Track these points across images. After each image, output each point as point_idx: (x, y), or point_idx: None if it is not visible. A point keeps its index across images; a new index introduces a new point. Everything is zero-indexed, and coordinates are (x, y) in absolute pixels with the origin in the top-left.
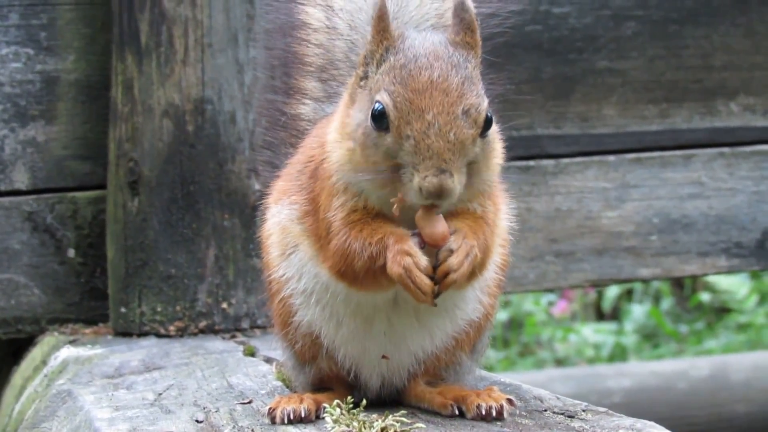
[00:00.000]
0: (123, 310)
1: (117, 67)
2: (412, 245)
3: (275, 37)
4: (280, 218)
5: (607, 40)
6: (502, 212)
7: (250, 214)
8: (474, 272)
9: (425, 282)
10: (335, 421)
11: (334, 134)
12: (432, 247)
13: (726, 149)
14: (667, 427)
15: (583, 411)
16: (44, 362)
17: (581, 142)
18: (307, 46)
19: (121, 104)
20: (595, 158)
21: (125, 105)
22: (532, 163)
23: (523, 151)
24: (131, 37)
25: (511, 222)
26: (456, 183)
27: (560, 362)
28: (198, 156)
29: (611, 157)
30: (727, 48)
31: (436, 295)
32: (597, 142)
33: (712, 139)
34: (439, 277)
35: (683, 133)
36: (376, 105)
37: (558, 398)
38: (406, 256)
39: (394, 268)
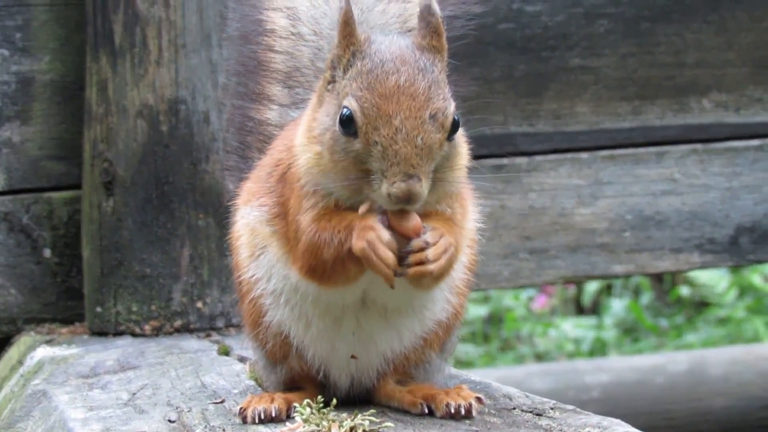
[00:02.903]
0: (99, 309)
1: (91, 67)
2: (375, 221)
3: (241, 44)
4: (249, 220)
5: (579, 38)
6: (469, 213)
7: (224, 213)
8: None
9: (388, 255)
10: (305, 421)
11: (301, 138)
12: (402, 236)
13: (699, 146)
14: (645, 422)
15: (551, 409)
16: (20, 362)
17: (554, 140)
18: (273, 53)
19: (96, 105)
20: (569, 155)
21: (100, 105)
22: (505, 160)
23: (496, 148)
24: (105, 38)
25: (479, 223)
26: (424, 187)
27: (540, 357)
28: (172, 156)
29: (584, 155)
30: (699, 45)
31: (399, 275)
32: (570, 140)
33: (684, 135)
34: (411, 263)
35: (656, 130)
36: (344, 110)
37: (527, 396)
38: (369, 230)
39: (357, 243)
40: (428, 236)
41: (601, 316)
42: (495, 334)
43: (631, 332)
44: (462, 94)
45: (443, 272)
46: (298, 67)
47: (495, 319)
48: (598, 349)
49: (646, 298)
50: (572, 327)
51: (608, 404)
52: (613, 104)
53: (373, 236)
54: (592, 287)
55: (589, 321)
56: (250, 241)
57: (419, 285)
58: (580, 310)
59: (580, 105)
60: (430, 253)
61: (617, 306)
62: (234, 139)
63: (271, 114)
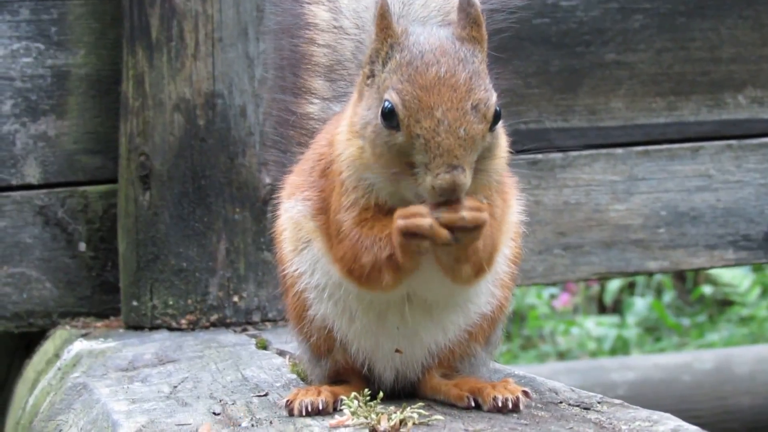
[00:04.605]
0: (134, 303)
1: (128, 61)
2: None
3: (282, 38)
4: (293, 213)
5: (614, 33)
6: (512, 208)
7: (260, 207)
8: (482, 266)
9: (420, 209)
10: (353, 413)
11: (343, 133)
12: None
13: (733, 142)
14: None
15: (599, 403)
16: (57, 355)
17: (589, 135)
18: (315, 47)
19: (132, 98)
20: (603, 151)
21: (136, 99)
22: (540, 156)
23: (531, 144)
24: (142, 31)
25: (522, 216)
26: (468, 177)
27: (562, 355)
28: (209, 150)
29: (619, 150)
30: (735, 40)
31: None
32: (605, 135)
33: (719, 131)
34: (443, 216)
35: (691, 126)
36: (386, 104)
37: (573, 390)
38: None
39: (394, 228)
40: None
41: (623, 314)
42: (517, 332)
43: (653, 331)
44: (504, 87)
45: (473, 232)
46: (341, 61)
47: (517, 317)
48: (620, 347)
49: (669, 296)
50: (594, 325)
51: (634, 402)
52: (648, 100)
53: (408, 211)
54: (614, 286)
55: (611, 319)
56: (294, 235)
57: (457, 273)
58: (602, 308)
59: (614, 100)
60: (465, 212)
61: (640, 304)
62: (275, 133)
63: (313, 108)
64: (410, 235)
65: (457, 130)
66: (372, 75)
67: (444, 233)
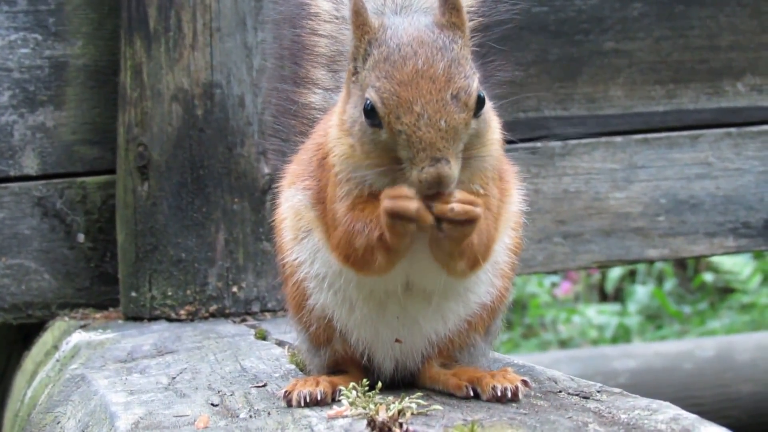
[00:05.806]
0: (133, 294)
1: (126, 51)
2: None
3: (284, 28)
4: (293, 202)
5: (613, 21)
6: (511, 197)
7: (259, 197)
8: (477, 260)
9: (403, 190)
10: (352, 404)
11: (335, 130)
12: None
13: (733, 129)
14: None
15: (598, 392)
16: (56, 347)
17: (588, 124)
18: (317, 37)
19: (130, 89)
20: (603, 139)
21: (134, 90)
22: (539, 144)
23: (530, 132)
24: (140, 21)
25: (522, 206)
26: (454, 169)
27: (564, 344)
28: (207, 140)
29: (618, 138)
30: (734, 28)
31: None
32: (604, 123)
33: (718, 119)
34: (436, 206)
35: (690, 114)
36: (366, 103)
37: (572, 379)
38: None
39: (381, 208)
40: (456, 192)
41: (624, 302)
42: (518, 321)
43: (654, 319)
44: (504, 77)
45: (465, 226)
46: (342, 51)
47: (519, 306)
48: (622, 335)
49: (670, 284)
50: (596, 313)
51: (636, 390)
52: (647, 88)
53: (393, 192)
54: (615, 274)
55: (612, 307)
56: (295, 224)
57: (452, 267)
58: (603, 296)
59: (614, 89)
60: (455, 204)
61: (641, 292)
62: (275, 122)
63: (315, 98)
64: (396, 216)
65: (438, 123)
66: (356, 72)
67: (429, 217)
